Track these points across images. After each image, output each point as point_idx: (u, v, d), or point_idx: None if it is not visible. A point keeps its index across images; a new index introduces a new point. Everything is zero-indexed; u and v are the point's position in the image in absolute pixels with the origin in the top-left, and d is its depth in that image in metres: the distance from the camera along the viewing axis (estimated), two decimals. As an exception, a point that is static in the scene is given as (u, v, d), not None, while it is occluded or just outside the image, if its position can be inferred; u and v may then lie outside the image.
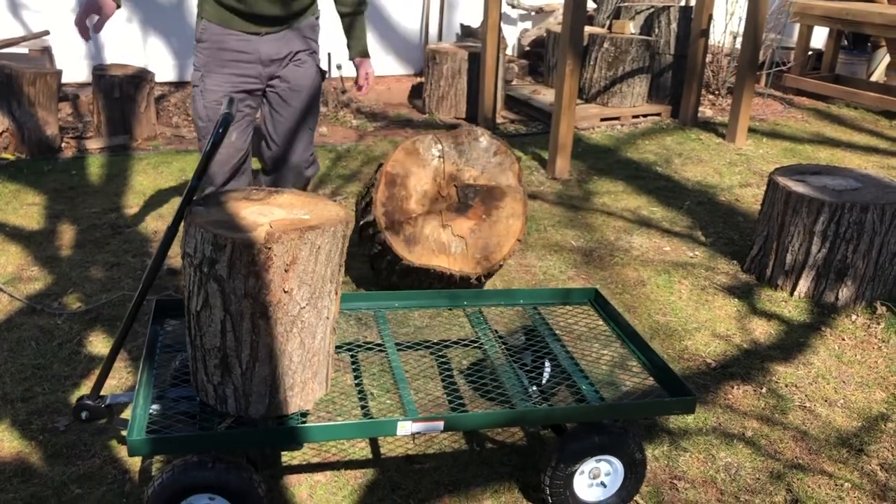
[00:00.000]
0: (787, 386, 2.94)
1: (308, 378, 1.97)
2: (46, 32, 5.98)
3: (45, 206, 4.12)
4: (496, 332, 2.56)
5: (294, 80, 2.96)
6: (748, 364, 3.08)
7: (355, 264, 3.63)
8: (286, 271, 1.81)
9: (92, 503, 2.16)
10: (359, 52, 3.18)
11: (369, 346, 2.52)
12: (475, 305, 2.63)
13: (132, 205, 4.21)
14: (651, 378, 2.34)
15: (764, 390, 2.91)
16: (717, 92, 7.37)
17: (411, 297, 2.61)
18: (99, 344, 2.90)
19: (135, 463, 2.32)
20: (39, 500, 2.15)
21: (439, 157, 3.21)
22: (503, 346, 2.49)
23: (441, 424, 2.01)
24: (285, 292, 1.83)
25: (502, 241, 3.25)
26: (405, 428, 1.99)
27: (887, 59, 7.60)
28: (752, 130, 6.20)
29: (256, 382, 1.91)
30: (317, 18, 3.00)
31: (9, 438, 2.37)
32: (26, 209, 4.05)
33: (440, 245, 3.18)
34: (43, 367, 2.76)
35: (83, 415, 2.14)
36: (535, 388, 2.56)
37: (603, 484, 2.22)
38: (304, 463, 2.39)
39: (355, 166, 5.02)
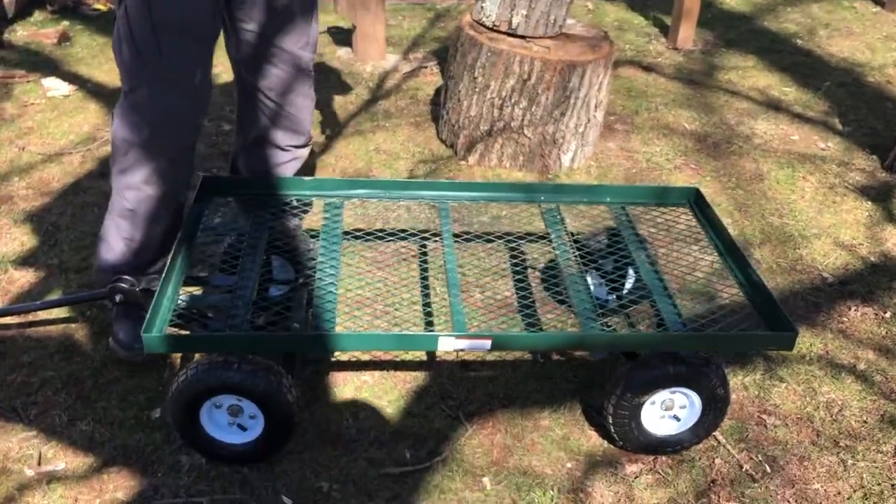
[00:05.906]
0: (917, 312, 2.53)
1: None
2: None
3: (130, 62, 3.99)
4: (572, 234, 2.26)
5: None
6: (873, 282, 2.66)
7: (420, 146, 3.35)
8: None
9: (127, 387, 2.08)
10: None
11: (427, 238, 2.28)
12: (553, 202, 2.32)
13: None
14: (747, 301, 2.00)
15: (888, 315, 2.51)
16: (882, -50, 6.38)
17: (481, 188, 2.33)
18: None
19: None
20: (77, 380, 2.09)
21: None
22: (579, 251, 2.19)
23: (488, 343, 1.77)
24: None
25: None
26: (447, 343, 1.76)
27: None
28: (919, -2, 5.33)
29: None
30: None
31: (57, 311, 2.30)
32: (111, 65, 3.93)
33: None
34: (103, 235, 2.67)
35: (117, 297, 2.05)
36: (614, 297, 2.28)
37: (676, 417, 1.95)
38: (354, 360, 2.23)
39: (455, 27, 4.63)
